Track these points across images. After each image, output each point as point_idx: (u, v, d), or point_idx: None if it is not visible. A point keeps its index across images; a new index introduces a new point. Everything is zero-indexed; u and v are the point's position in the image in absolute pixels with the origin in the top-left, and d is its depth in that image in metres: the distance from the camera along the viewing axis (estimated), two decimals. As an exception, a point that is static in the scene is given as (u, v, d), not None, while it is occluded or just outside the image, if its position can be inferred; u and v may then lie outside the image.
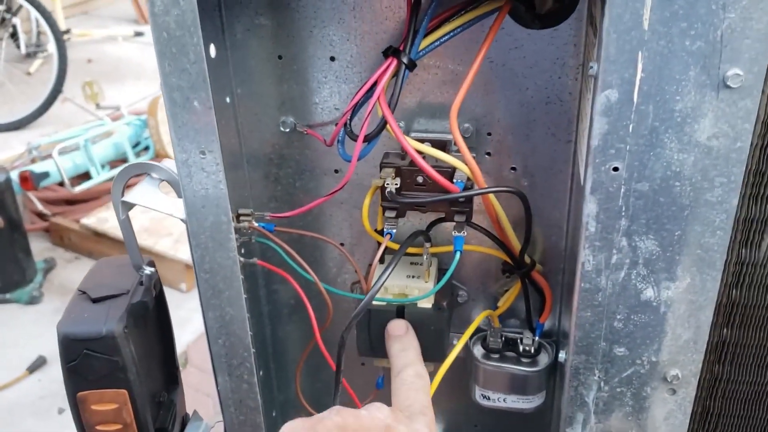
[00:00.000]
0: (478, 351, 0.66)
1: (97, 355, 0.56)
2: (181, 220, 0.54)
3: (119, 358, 0.57)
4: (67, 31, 4.54)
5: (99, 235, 2.72)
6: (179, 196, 0.54)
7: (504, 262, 0.61)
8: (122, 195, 0.56)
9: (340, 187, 0.55)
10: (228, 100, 0.58)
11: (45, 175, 2.75)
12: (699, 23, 0.41)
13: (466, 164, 0.52)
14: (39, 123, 3.81)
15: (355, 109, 0.54)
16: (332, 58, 0.58)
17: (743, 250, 0.50)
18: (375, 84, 0.52)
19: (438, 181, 0.52)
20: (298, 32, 0.58)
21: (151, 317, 0.61)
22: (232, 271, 0.54)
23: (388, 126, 0.51)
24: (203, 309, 0.57)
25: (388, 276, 0.54)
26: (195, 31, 0.46)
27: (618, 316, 0.51)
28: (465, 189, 0.53)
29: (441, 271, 0.64)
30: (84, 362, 0.56)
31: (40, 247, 2.82)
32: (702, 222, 0.47)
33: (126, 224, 0.57)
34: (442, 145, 0.57)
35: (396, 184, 0.55)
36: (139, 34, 4.90)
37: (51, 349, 2.25)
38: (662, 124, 0.44)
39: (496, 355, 0.65)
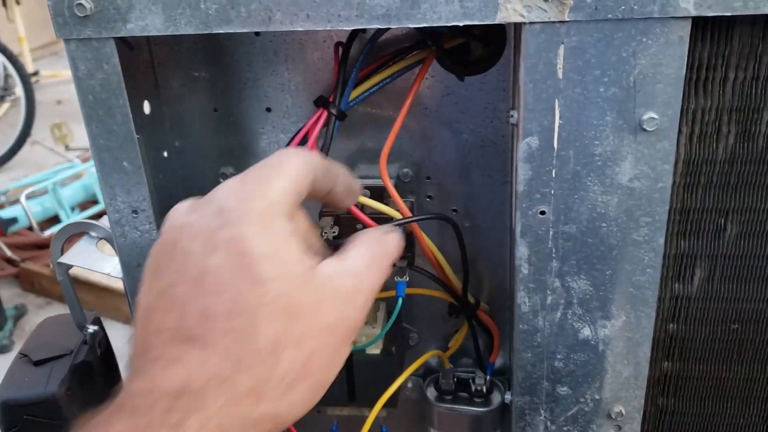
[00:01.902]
0: (431, 393, 0.65)
1: (39, 419, 0.55)
2: (119, 278, 0.54)
3: (62, 422, 0.56)
4: (36, 73, 4.53)
5: (74, 282, 2.69)
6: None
7: (450, 304, 0.61)
8: (60, 255, 0.56)
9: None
10: (165, 154, 0.58)
11: (13, 220, 2.72)
12: (611, 70, 0.43)
13: (399, 210, 0.53)
14: (8, 167, 3.77)
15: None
16: (268, 109, 0.59)
17: (676, 285, 0.50)
18: (307, 135, 0.52)
19: (366, 223, 0.52)
20: (232, 84, 0.58)
21: (98, 377, 0.60)
22: (172, 328, 0.54)
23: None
24: (146, 367, 0.56)
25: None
26: (120, 93, 0.46)
27: (558, 356, 0.51)
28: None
29: (390, 315, 0.64)
30: (26, 428, 0.55)
31: (9, 294, 2.77)
32: (631, 261, 0.48)
33: (66, 284, 0.57)
34: (380, 191, 0.57)
35: (334, 233, 0.55)
36: (108, 73, 4.89)
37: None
38: (584, 168, 0.45)
39: (449, 397, 0.65)
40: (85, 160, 3.15)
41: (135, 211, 0.50)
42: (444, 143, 0.59)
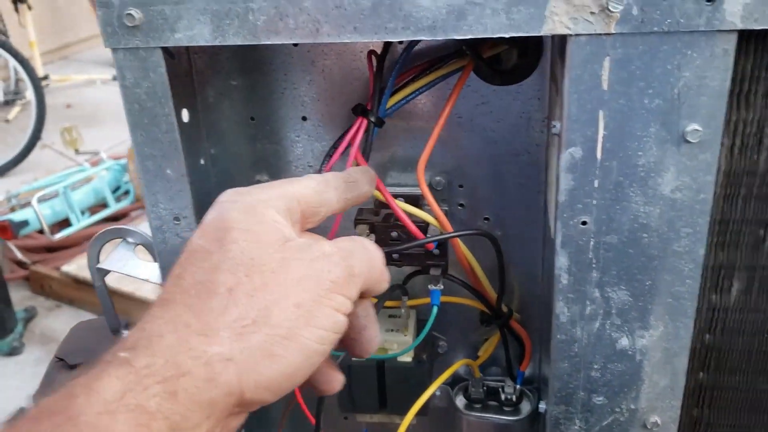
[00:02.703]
0: (460, 401, 0.65)
1: (76, 424, 0.56)
2: (159, 284, 0.54)
3: (98, 426, 0.56)
4: (46, 77, 4.55)
5: (80, 283, 2.69)
6: (155, 260, 0.54)
7: (482, 312, 0.62)
8: (98, 261, 0.56)
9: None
10: (202, 161, 0.59)
11: (24, 223, 2.73)
12: (656, 82, 0.43)
13: (436, 218, 0.53)
14: (18, 170, 3.79)
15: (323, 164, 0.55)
16: (304, 118, 0.59)
17: (714, 296, 0.50)
18: (349, 144, 0.52)
19: (414, 233, 0.53)
20: (270, 94, 0.59)
21: (130, 381, 0.61)
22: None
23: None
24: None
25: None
26: (166, 102, 0.47)
27: (595, 366, 0.52)
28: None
29: (420, 323, 0.64)
30: (62, 432, 0.56)
31: (19, 296, 2.78)
32: (671, 271, 0.48)
33: (102, 290, 0.57)
34: (415, 199, 0.57)
35: (371, 240, 0.55)
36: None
37: (32, 402, 2.21)
38: (626, 178, 0.45)
39: (479, 405, 0.65)
40: (94, 164, 3.16)
41: (177, 218, 0.50)
42: (477, 152, 0.59)
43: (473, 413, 0.64)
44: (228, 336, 0.35)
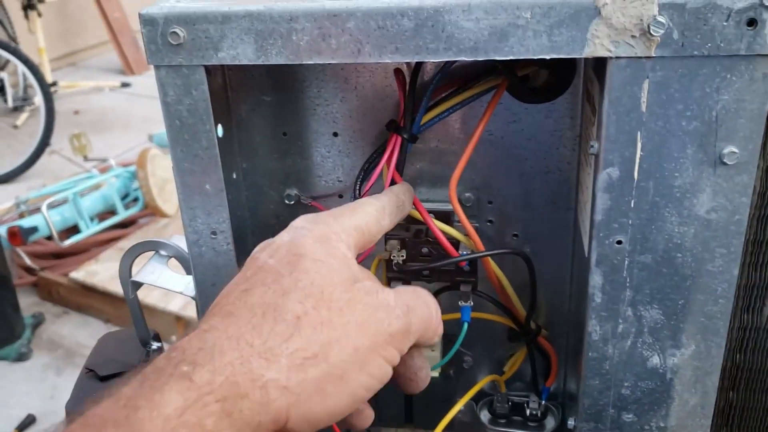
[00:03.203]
0: (485, 416, 0.66)
1: (107, 435, 0.56)
2: (191, 297, 0.54)
3: (129, 438, 0.56)
4: (54, 84, 4.57)
5: (88, 289, 2.70)
6: (188, 273, 0.55)
7: (510, 329, 0.62)
8: (130, 274, 0.56)
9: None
10: (234, 176, 0.59)
11: (34, 229, 2.74)
12: (694, 105, 0.43)
13: (468, 235, 0.53)
14: (26, 176, 3.80)
15: (362, 182, 0.55)
16: (335, 134, 0.60)
17: (745, 316, 0.51)
18: (387, 164, 0.53)
19: (449, 250, 0.53)
20: (302, 110, 0.59)
21: (159, 393, 0.61)
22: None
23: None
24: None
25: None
26: (207, 119, 0.48)
27: (625, 384, 0.52)
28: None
29: (446, 337, 0.64)
30: (93, 443, 0.56)
31: (28, 302, 2.79)
32: (704, 291, 0.48)
33: (134, 303, 0.58)
34: (445, 216, 0.58)
35: (402, 256, 0.56)
36: (125, 84, 4.94)
37: (40, 408, 2.21)
38: (662, 199, 0.46)
39: (503, 420, 0.65)
40: (103, 171, 3.18)
41: (214, 233, 0.51)
42: (508, 169, 0.59)
43: (498, 428, 0.65)
44: (287, 364, 0.36)
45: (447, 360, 0.58)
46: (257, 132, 0.60)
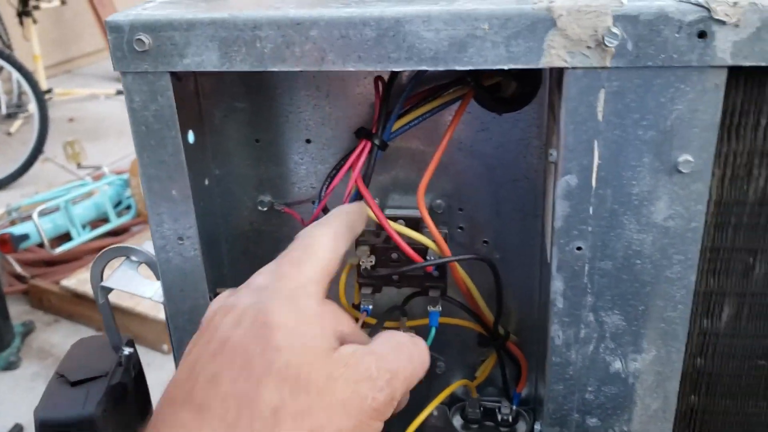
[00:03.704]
0: (457, 421, 0.66)
1: (76, 439, 0.56)
2: (161, 302, 0.55)
3: (98, 442, 0.57)
4: (49, 91, 4.58)
5: (79, 297, 2.70)
6: (158, 278, 0.55)
7: (480, 334, 0.63)
8: (101, 279, 0.57)
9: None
10: (206, 182, 0.60)
11: (25, 237, 2.74)
12: (650, 114, 0.44)
13: (435, 242, 0.54)
14: (19, 183, 3.80)
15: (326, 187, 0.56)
16: (308, 141, 0.61)
17: (705, 321, 0.51)
18: (351, 167, 0.54)
19: (411, 256, 0.54)
20: (275, 117, 0.60)
21: (131, 398, 0.61)
22: (211, 352, 0.55)
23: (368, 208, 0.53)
24: (183, 390, 0.57)
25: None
26: (173, 125, 0.48)
27: (589, 388, 0.52)
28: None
29: (418, 343, 0.65)
30: (63, 448, 0.57)
31: (18, 310, 2.78)
32: (663, 297, 0.49)
33: (105, 308, 0.58)
34: (415, 222, 0.58)
35: (371, 262, 0.56)
36: (121, 92, 4.95)
37: (29, 417, 2.20)
38: (621, 206, 0.47)
39: (475, 426, 0.66)
40: (96, 179, 3.18)
41: (180, 238, 0.52)
42: (477, 177, 0.60)
43: (469, 434, 0.65)
44: None
45: (415, 365, 0.59)
46: (230, 139, 0.61)
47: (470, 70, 0.53)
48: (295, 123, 0.60)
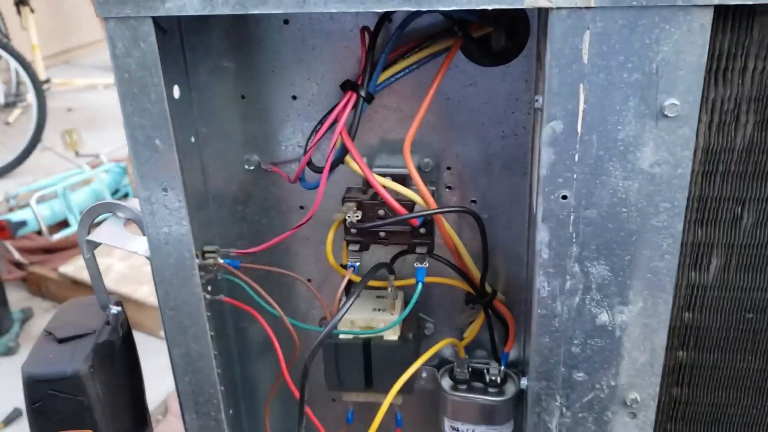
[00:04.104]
0: (446, 383, 0.66)
1: (63, 395, 0.56)
2: (146, 257, 0.55)
3: (85, 398, 0.57)
4: (48, 81, 4.57)
5: (77, 284, 2.69)
6: (144, 235, 0.55)
7: (467, 293, 0.62)
8: (87, 234, 0.57)
9: (305, 221, 0.57)
10: (193, 139, 0.60)
11: (23, 223, 2.73)
12: (635, 56, 0.44)
13: (422, 196, 0.54)
14: (18, 172, 3.80)
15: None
16: (294, 97, 0.60)
17: (693, 273, 0.51)
18: (336, 119, 0.53)
19: (391, 205, 0.53)
20: (260, 73, 0.60)
21: (119, 356, 0.61)
22: (196, 307, 0.55)
23: (350, 158, 0.53)
24: (169, 346, 0.57)
25: (349, 308, 0.54)
26: (156, 72, 0.48)
27: (575, 341, 0.52)
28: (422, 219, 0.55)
29: (408, 304, 0.65)
30: (49, 403, 0.56)
31: (17, 297, 2.78)
32: (650, 246, 0.49)
33: (91, 263, 0.58)
34: (403, 179, 0.58)
35: (357, 216, 0.56)
36: (119, 82, 4.93)
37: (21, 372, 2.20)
38: (606, 153, 0.46)
39: (464, 386, 0.66)
40: (94, 167, 3.17)
41: (165, 189, 0.51)
42: (465, 134, 0.60)
43: (458, 394, 0.65)
44: None
45: (401, 319, 0.59)
46: (216, 96, 0.60)
47: (458, 20, 0.53)
48: (280, 79, 0.60)
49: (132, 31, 0.47)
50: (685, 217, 0.48)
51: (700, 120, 0.46)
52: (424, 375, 0.69)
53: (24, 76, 3.90)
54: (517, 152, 0.60)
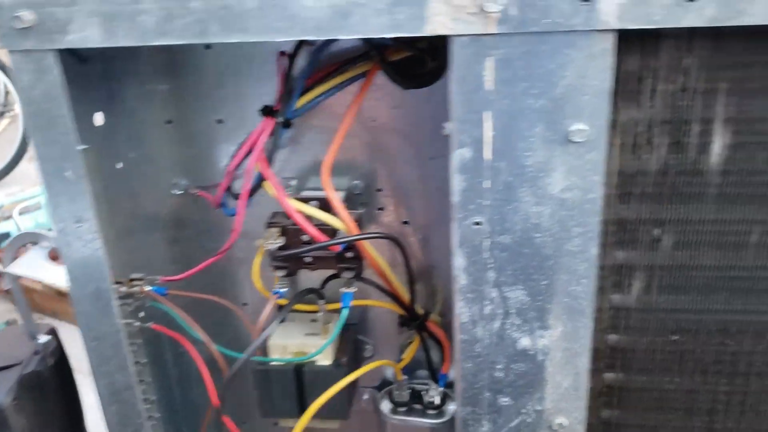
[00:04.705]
0: (385, 406, 0.65)
1: (-15, 428, 0.56)
2: (64, 289, 0.54)
3: (8, 431, 0.56)
4: (35, 91, 4.56)
5: (63, 295, 2.68)
6: (67, 263, 0.54)
7: (400, 315, 0.62)
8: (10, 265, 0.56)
9: (224, 250, 0.56)
10: (120, 165, 0.59)
11: (5, 235, 2.72)
12: (539, 82, 0.43)
13: (343, 221, 0.53)
14: (4, 183, 3.78)
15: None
16: (219, 121, 0.59)
17: (615, 296, 0.50)
18: (253, 146, 0.53)
19: (307, 231, 0.52)
20: (186, 97, 0.59)
21: (48, 387, 0.61)
22: (117, 338, 0.54)
23: (269, 185, 0.52)
24: (94, 377, 0.56)
25: (268, 334, 0.54)
26: (62, 104, 0.47)
27: (498, 366, 0.52)
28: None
29: (345, 327, 0.64)
30: (-28, 436, 0.56)
31: (1, 309, 2.77)
32: (566, 271, 0.48)
33: (17, 292, 0.57)
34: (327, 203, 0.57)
35: (278, 243, 0.55)
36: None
37: None
38: (516, 179, 0.46)
39: (404, 409, 0.65)
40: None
41: (78, 221, 0.51)
42: (394, 156, 0.59)
43: (397, 416, 0.64)
44: None
45: (328, 344, 0.58)
46: (143, 121, 0.60)
47: (375, 44, 0.52)
48: (206, 102, 0.59)
49: (36, 63, 0.46)
50: (604, 240, 0.48)
51: (613, 144, 0.46)
52: (365, 397, 0.68)
53: (11, 87, 3.89)
54: (445, 173, 0.59)
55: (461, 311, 0.50)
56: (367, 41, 0.52)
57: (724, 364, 0.51)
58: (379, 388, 0.67)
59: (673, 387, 0.53)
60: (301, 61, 0.53)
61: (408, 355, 0.65)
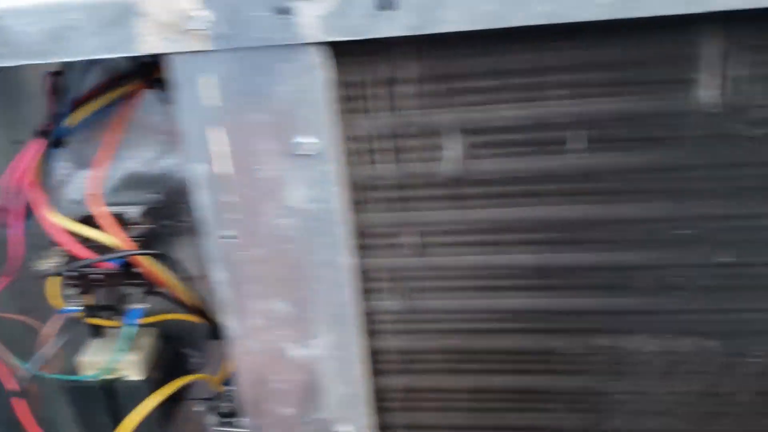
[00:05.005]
0: (211, 420, 0.65)
1: None
2: None
3: None
4: None
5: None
6: None
7: (208, 327, 0.62)
8: None
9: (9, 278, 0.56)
10: None
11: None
12: (262, 97, 0.43)
13: (114, 238, 0.53)
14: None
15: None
16: (18, 142, 0.59)
17: (374, 301, 0.50)
18: (22, 168, 0.52)
19: (74, 254, 0.52)
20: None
21: None
22: None
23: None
24: None
25: (51, 354, 0.54)
26: None
27: (275, 378, 0.52)
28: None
29: (165, 340, 0.64)
30: None
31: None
32: (321, 281, 0.48)
33: None
34: (120, 219, 0.57)
35: (54, 263, 0.55)
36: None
37: None
38: (257, 192, 0.46)
39: (231, 419, 0.65)
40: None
41: None
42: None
43: (222, 429, 0.64)
44: None
45: (116, 360, 0.58)
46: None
47: (141, 63, 0.52)
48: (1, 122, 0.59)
49: None
50: (356, 248, 0.48)
51: (349, 153, 0.46)
52: (194, 409, 0.68)
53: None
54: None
55: (230, 325, 0.50)
56: (133, 59, 0.52)
57: (492, 363, 0.52)
58: (211, 399, 0.67)
59: (453, 386, 0.53)
60: (68, 80, 0.53)
61: (227, 366, 0.65)
